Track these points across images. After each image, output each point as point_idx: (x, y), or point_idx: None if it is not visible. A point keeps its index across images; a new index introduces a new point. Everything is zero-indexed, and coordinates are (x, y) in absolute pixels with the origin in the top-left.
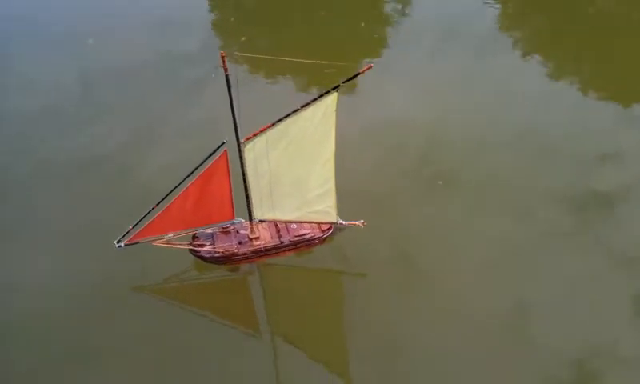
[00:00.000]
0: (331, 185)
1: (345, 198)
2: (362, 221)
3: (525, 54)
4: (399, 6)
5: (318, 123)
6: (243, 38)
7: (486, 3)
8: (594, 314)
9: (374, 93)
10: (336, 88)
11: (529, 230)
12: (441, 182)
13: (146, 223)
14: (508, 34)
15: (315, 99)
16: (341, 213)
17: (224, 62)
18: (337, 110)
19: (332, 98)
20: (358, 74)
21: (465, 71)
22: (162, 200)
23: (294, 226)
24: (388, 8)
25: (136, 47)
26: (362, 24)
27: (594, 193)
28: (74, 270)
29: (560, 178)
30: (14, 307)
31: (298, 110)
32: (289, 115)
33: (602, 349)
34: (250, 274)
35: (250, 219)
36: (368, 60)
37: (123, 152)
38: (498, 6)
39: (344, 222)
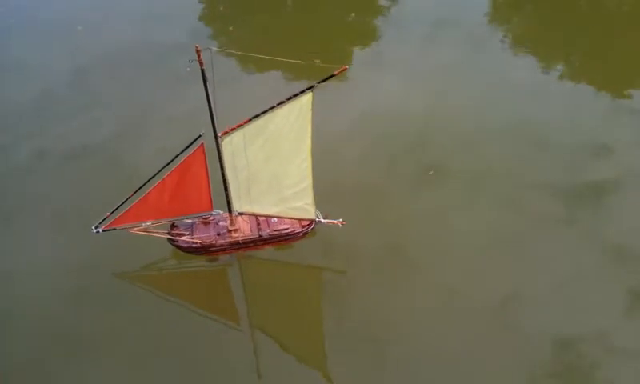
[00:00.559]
0: (308, 183)
1: (333, 189)
2: (341, 220)
3: (516, 45)
4: None
5: (294, 122)
6: (231, 28)
7: None
8: (585, 304)
9: (365, 83)
10: (311, 88)
11: (520, 222)
12: (432, 172)
13: (124, 210)
14: (499, 25)
15: (290, 98)
16: (329, 205)
17: (199, 55)
18: (312, 110)
19: (307, 97)
20: (333, 75)
21: (456, 62)
22: (140, 188)
23: (275, 219)
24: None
25: (125, 35)
26: (353, 14)
27: (586, 184)
28: (59, 256)
29: (552, 169)
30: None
31: (273, 107)
32: (265, 112)
33: (593, 339)
34: (229, 265)
35: (230, 211)
36: (359, 49)
37: (112, 140)
38: None
39: (323, 220)
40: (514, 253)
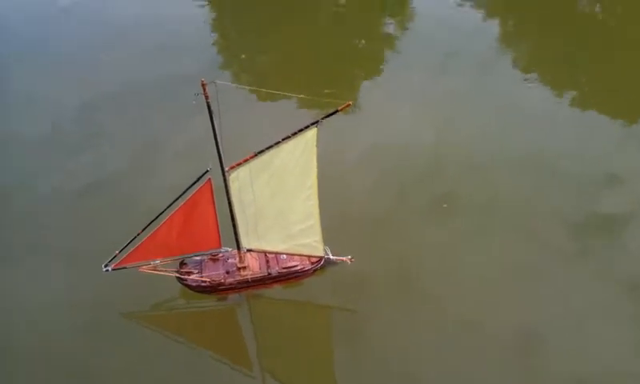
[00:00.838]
0: (315, 220)
1: (343, 221)
2: (350, 256)
3: (526, 73)
4: (400, 26)
5: (299, 157)
6: (243, 56)
7: (485, 21)
8: (598, 338)
9: (375, 113)
10: (315, 124)
11: (533, 253)
12: (445, 205)
13: (132, 249)
14: (509, 53)
15: (295, 133)
16: (339, 236)
17: (204, 89)
18: (318, 145)
19: (312, 133)
20: (337, 111)
21: (466, 90)
22: (148, 226)
23: (284, 256)
24: (389, 28)
25: (138, 69)
26: (363, 41)
27: (599, 214)
28: (70, 294)
29: (564, 200)
30: (12, 330)
31: (279, 142)
32: (270, 147)
33: (607, 375)
34: (238, 304)
35: (238, 248)
36: (368, 79)
37: (124, 176)
38: (498, 23)
39: (332, 257)
40: (528, 285)
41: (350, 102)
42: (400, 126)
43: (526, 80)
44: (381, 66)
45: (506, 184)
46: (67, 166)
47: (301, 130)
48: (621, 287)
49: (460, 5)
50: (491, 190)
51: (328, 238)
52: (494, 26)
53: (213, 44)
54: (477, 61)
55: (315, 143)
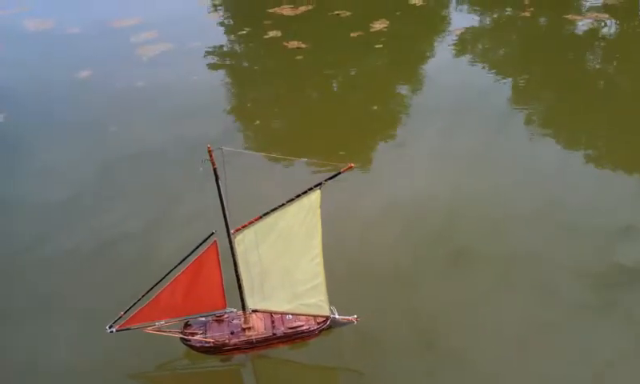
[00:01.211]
0: (321, 280)
1: (360, 277)
2: (356, 316)
3: (540, 129)
4: (412, 88)
5: (304, 219)
6: (257, 122)
7: (496, 81)
8: None
9: (389, 172)
10: (318, 186)
11: (555, 309)
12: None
13: (136, 310)
14: (522, 110)
15: (299, 195)
16: (356, 292)
17: (211, 155)
18: (321, 207)
19: (315, 195)
20: (340, 173)
21: (480, 147)
22: (153, 287)
23: (290, 316)
24: (402, 90)
25: (156, 135)
26: (375, 107)
27: (620, 268)
28: (77, 353)
29: (583, 254)
30: None
31: (283, 204)
32: (275, 210)
33: None
34: (243, 365)
35: (243, 309)
36: (382, 139)
37: (138, 237)
38: (510, 82)
39: (337, 317)
40: (548, 341)
41: (353, 165)
42: (414, 184)
43: (539, 136)
44: (395, 127)
45: (522, 239)
46: (82, 227)
47: (305, 192)
48: None
49: (472, 64)
50: (506, 246)
51: (342, 296)
52: (506, 85)
53: (228, 111)
54: (490, 119)
55: (319, 204)
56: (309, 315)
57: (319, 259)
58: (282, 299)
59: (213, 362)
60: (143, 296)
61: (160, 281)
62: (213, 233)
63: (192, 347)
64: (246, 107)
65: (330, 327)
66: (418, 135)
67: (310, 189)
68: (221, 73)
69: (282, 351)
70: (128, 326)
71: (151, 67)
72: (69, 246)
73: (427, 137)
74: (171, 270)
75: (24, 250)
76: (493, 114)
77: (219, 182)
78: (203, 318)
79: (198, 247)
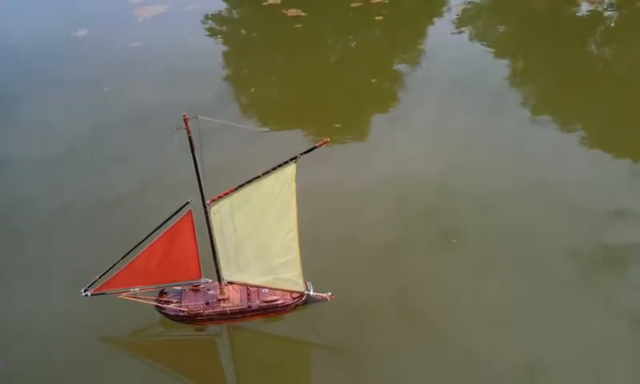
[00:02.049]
0: (295, 255)
1: (348, 250)
2: (330, 293)
3: (536, 109)
4: (410, 63)
5: (279, 193)
6: (252, 89)
7: (495, 59)
8: (604, 373)
9: (384, 147)
10: (294, 159)
11: (540, 287)
12: (455, 240)
13: (112, 275)
14: (518, 89)
15: (275, 168)
16: (342, 266)
17: (186, 124)
18: (296, 181)
19: (291, 168)
20: (315, 147)
21: (475, 125)
22: (128, 253)
23: (266, 290)
24: (399, 65)
25: (149, 97)
26: (373, 80)
27: (607, 249)
28: (53, 315)
29: (572, 234)
30: None
31: (259, 176)
32: (251, 181)
33: None
34: (218, 335)
35: (219, 280)
36: (378, 114)
37: (130, 199)
38: (509, 60)
39: (312, 293)
40: (534, 319)
41: (328, 139)
42: (407, 159)
43: (534, 116)
44: (391, 101)
45: (512, 217)
46: (77, 185)
47: (280, 166)
48: (625, 320)
49: (471, 42)
50: (496, 223)
51: (332, 268)
52: (504, 64)
53: (224, 77)
54: (487, 97)
55: (294, 178)
56: (284, 290)
57: (294, 234)
58: (256, 272)
59: (188, 330)
60: (118, 261)
61: (134, 248)
62: (188, 202)
63: (166, 315)
64: (243, 74)
65: (305, 303)
66: (413, 110)
67: (286, 162)
68: (218, 38)
69: (258, 323)
70: (103, 291)
71: (148, 29)
72: (57, 206)
73: (423, 112)
74: (145, 238)
75: (11, 209)
76: (490, 91)
77: (194, 151)
78: (179, 287)
79: (172, 216)
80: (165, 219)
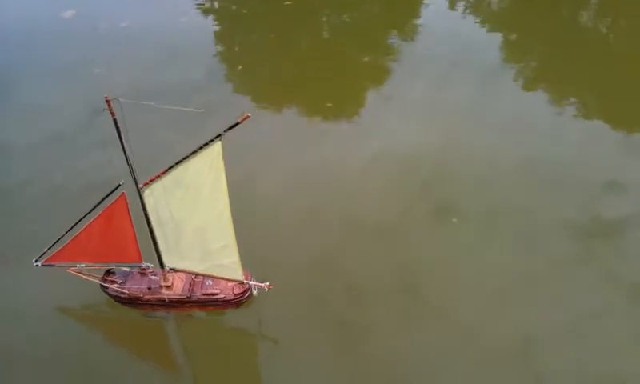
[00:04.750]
0: (231, 239)
1: (345, 228)
2: (268, 283)
3: (529, 83)
4: (404, 39)
5: (208, 172)
6: (240, 67)
7: (489, 34)
8: (602, 345)
9: (378, 124)
10: (218, 137)
11: (536, 261)
12: (455, 220)
13: (59, 248)
14: (512, 65)
15: (201, 147)
16: (342, 243)
17: (109, 105)
18: (224, 159)
19: (218, 147)
20: (237, 123)
21: (469, 101)
22: (71, 229)
23: (210, 282)
24: (393, 41)
25: (141, 76)
26: (366, 59)
27: (602, 221)
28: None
29: (567, 207)
30: None
31: (187, 157)
32: (179, 162)
33: (605, 376)
34: (165, 319)
35: (161, 266)
36: (372, 91)
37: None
38: (503, 35)
39: (251, 283)
40: (530, 293)
41: (249, 114)
42: (401, 136)
43: (530, 90)
44: (384, 79)
45: (506, 192)
46: (67, 168)
47: (206, 144)
48: (625, 292)
49: (464, 18)
50: (491, 199)
51: (329, 247)
52: (497, 39)
53: (214, 54)
54: (481, 73)
55: (221, 157)
56: (223, 278)
57: (227, 215)
58: (195, 258)
59: (135, 313)
60: (62, 236)
61: (77, 223)
62: (120, 185)
63: (108, 295)
64: (234, 52)
65: (249, 298)
66: (407, 87)
67: (211, 140)
68: (209, 16)
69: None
70: (52, 263)
71: (137, 7)
72: (47, 188)
73: (417, 89)
74: (81, 219)
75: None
76: (484, 67)
77: (121, 133)
78: (128, 269)
79: (103, 199)
80: (98, 202)
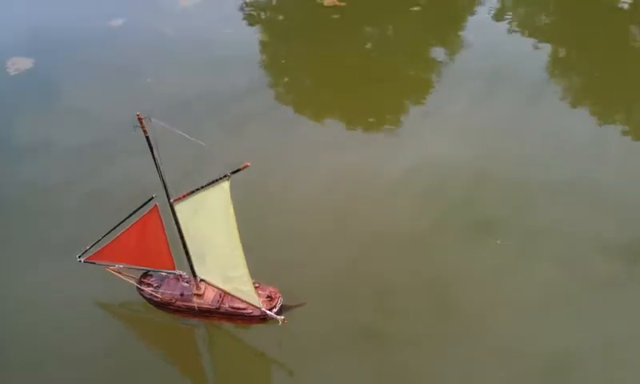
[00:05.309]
0: (243, 272)
1: (383, 241)
2: (283, 318)
3: (575, 100)
4: (449, 52)
5: (220, 210)
6: (286, 79)
7: (536, 48)
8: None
9: (419, 139)
10: (225, 177)
11: (578, 279)
12: (499, 242)
13: (100, 247)
14: (558, 81)
15: (212, 183)
16: (373, 255)
17: (142, 123)
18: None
19: (226, 186)
20: (239, 169)
21: (513, 116)
22: (110, 232)
23: None
24: (435, 53)
25: (189, 85)
26: (410, 67)
27: None
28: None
29: (611, 227)
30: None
31: (204, 186)
32: (199, 190)
33: None
34: (197, 327)
35: (193, 275)
36: (413, 105)
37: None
38: (549, 50)
39: (267, 312)
40: (569, 313)
41: (248, 164)
42: (442, 150)
43: (574, 108)
44: (427, 93)
45: (547, 210)
46: (108, 172)
47: (216, 181)
48: None
49: (511, 32)
50: (531, 216)
51: (364, 257)
52: (544, 54)
53: (260, 65)
54: (525, 88)
55: (229, 196)
56: (244, 301)
57: (239, 253)
58: (219, 278)
59: (167, 317)
60: (102, 238)
61: (111, 231)
62: (152, 198)
63: (143, 296)
64: (279, 64)
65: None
66: (450, 101)
67: (218, 179)
68: (256, 27)
69: (236, 327)
70: (93, 261)
71: (185, 18)
72: (88, 191)
73: (460, 103)
74: (117, 226)
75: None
76: (528, 81)
77: (153, 150)
78: (164, 273)
79: (135, 211)
80: (130, 212)
